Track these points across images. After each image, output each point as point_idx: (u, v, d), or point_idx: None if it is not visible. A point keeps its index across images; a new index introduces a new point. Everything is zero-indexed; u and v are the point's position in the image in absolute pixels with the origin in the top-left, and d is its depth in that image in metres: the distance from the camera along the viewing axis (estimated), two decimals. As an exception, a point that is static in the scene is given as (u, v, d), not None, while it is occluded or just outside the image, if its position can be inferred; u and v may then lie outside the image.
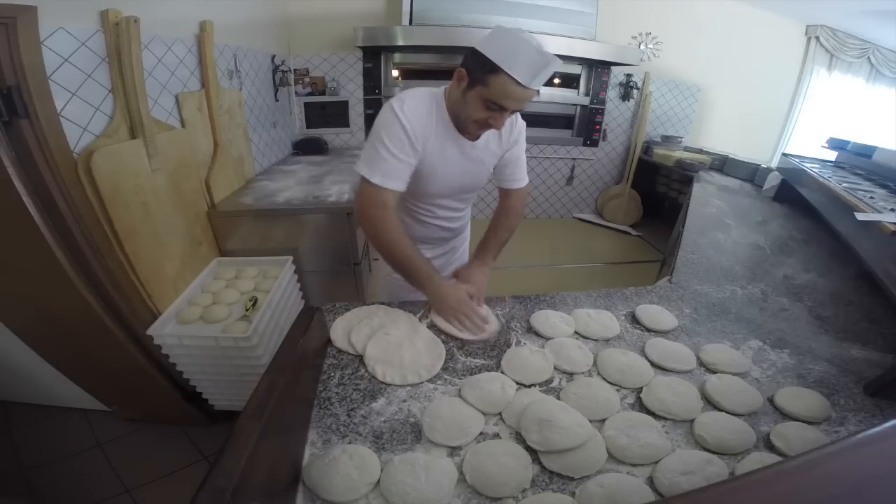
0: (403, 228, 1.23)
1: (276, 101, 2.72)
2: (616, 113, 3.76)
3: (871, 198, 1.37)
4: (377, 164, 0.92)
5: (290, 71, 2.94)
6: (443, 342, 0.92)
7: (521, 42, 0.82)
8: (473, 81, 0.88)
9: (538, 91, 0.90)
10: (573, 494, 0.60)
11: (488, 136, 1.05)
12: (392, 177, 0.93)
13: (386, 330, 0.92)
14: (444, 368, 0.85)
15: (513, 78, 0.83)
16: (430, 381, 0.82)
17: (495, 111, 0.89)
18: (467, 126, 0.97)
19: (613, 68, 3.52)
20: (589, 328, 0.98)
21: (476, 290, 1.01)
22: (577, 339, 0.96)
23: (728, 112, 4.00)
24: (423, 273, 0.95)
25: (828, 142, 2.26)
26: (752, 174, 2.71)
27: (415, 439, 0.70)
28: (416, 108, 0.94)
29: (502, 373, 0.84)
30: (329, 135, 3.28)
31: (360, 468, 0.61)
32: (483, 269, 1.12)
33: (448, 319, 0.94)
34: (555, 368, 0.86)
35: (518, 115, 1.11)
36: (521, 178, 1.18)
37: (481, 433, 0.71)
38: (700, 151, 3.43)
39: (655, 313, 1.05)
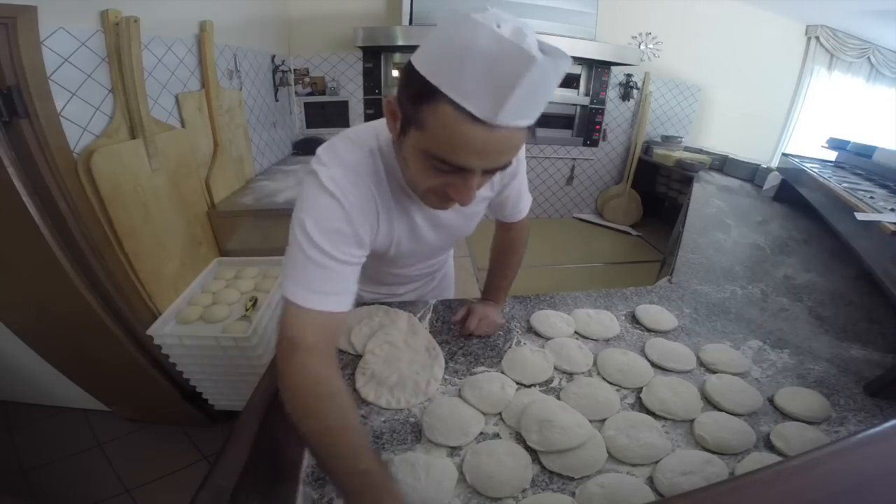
0: (373, 273, 0.92)
1: (276, 101, 2.72)
2: (616, 113, 3.75)
3: (871, 198, 1.37)
4: (303, 276, 0.56)
5: (290, 71, 2.94)
6: (440, 344, 0.91)
7: (474, 35, 0.42)
8: (406, 122, 0.51)
9: (529, 130, 0.49)
10: (573, 494, 0.60)
11: None
12: (328, 293, 0.57)
13: (386, 330, 0.92)
14: (444, 368, 0.85)
15: (461, 107, 0.44)
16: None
17: (450, 173, 0.51)
18: (421, 198, 0.61)
19: (613, 68, 3.51)
20: (589, 328, 0.98)
21: (492, 327, 0.93)
22: (577, 339, 0.96)
23: (728, 112, 4.00)
24: (372, 481, 0.49)
25: (828, 142, 2.26)
26: (752, 174, 2.71)
27: (415, 439, 0.69)
28: (353, 175, 0.60)
29: (502, 373, 0.84)
30: (329, 135, 3.18)
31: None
32: (496, 312, 0.96)
33: None
34: (555, 368, 0.85)
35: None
36: (521, 210, 0.91)
37: (481, 433, 0.71)
38: (700, 151, 3.42)
39: (655, 313, 1.05)
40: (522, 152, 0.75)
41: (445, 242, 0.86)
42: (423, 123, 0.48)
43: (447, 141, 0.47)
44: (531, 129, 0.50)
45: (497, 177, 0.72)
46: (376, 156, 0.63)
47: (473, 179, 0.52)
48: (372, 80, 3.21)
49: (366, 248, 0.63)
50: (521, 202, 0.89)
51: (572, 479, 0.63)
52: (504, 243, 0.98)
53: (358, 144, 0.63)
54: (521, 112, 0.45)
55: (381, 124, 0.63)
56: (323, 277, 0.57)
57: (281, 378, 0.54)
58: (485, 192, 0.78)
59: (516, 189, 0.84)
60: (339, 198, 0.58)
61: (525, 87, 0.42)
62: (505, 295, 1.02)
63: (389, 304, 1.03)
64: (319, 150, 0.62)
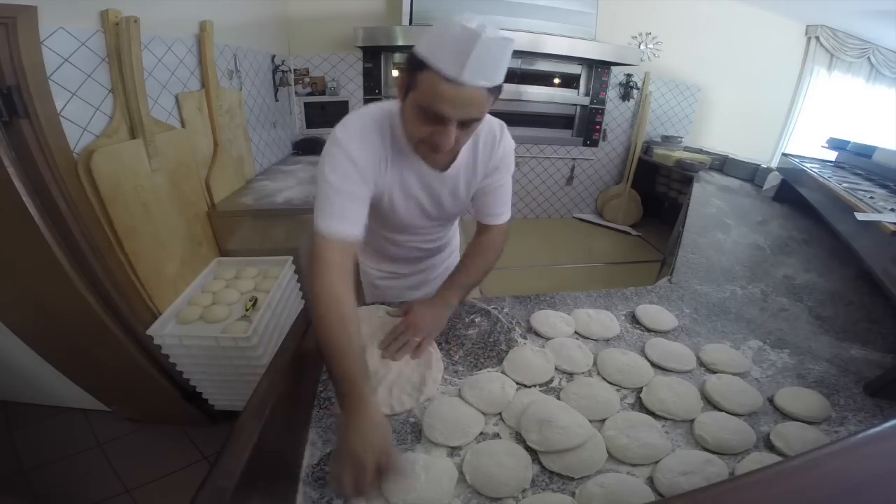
0: (376, 245, 1.07)
1: (276, 101, 2.72)
2: (616, 113, 3.75)
3: (871, 198, 1.37)
4: (324, 208, 0.75)
5: (290, 71, 2.94)
6: (439, 344, 0.91)
7: (449, 25, 0.63)
8: (408, 87, 0.71)
9: (490, 90, 0.67)
10: (573, 494, 0.60)
11: (462, 161, 0.87)
12: (343, 219, 0.75)
13: (386, 330, 0.91)
14: (444, 368, 0.85)
15: (438, 71, 0.64)
16: (430, 381, 0.82)
17: (435, 124, 0.70)
18: (415, 149, 0.79)
19: (613, 68, 3.51)
20: (589, 328, 0.98)
21: (422, 334, 0.86)
22: (577, 339, 0.96)
23: (728, 112, 4.00)
24: (351, 386, 0.65)
25: (828, 142, 2.26)
26: (752, 174, 2.71)
27: (415, 439, 0.69)
28: (360, 132, 0.79)
29: (503, 373, 0.84)
30: (329, 135, 3.28)
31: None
32: (441, 310, 0.93)
33: (338, 473, 0.58)
34: (555, 368, 0.85)
35: (505, 134, 0.91)
36: (501, 213, 0.98)
37: (481, 433, 0.71)
38: (700, 151, 3.42)
39: (655, 313, 1.05)
40: (511, 159, 0.94)
41: (433, 210, 0.95)
42: (416, 85, 0.68)
43: (430, 94, 0.66)
44: (494, 93, 0.69)
45: (481, 166, 0.91)
46: (384, 120, 0.81)
47: (451, 128, 0.69)
48: (372, 80, 3.21)
49: (370, 184, 0.80)
50: (500, 206, 0.98)
51: (572, 479, 0.63)
52: (477, 244, 1.02)
53: (375, 109, 0.83)
54: (479, 75, 0.64)
55: (391, 104, 0.83)
56: (338, 206, 0.75)
57: (313, 291, 0.72)
58: (469, 176, 0.91)
59: (497, 185, 0.94)
60: (346, 148, 0.77)
61: (476, 55, 0.62)
62: (461, 295, 0.97)
63: (390, 304, 1.03)
64: (346, 115, 0.82)
